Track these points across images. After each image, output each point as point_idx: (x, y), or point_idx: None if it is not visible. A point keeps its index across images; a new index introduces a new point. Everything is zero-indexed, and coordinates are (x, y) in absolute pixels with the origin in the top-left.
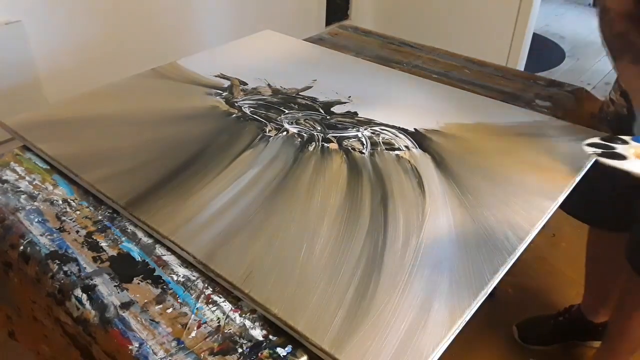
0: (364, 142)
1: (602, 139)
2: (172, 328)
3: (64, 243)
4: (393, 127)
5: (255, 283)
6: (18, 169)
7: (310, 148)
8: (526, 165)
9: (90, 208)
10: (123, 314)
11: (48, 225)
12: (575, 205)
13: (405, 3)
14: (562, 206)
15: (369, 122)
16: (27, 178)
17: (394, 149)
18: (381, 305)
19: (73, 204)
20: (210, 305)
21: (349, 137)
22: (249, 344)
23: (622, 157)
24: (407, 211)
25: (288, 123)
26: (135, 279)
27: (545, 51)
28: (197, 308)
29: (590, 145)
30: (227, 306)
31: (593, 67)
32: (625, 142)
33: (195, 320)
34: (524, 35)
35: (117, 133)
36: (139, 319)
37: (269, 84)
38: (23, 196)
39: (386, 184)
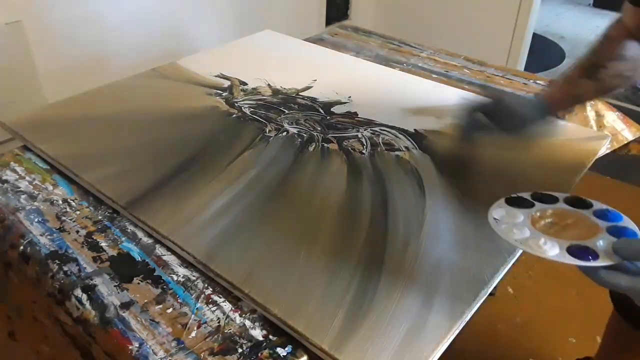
0: (364, 143)
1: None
2: (172, 328)
3: (64, 243)
4: (393, 127)
5: (255, 283)
6: (18, 169)
7: (310, 148)
8: (526, 165)
9: (90, 208)
10: (123, 314)
11: (48, 225)
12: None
13: (405, 3)
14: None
15: (369, 123)
16: (27, 178)
17: (394, 150)
18: (381, 305)
19: (73, 204)
20: (210, 305)
21: (349, 138)
22: (249, 344)
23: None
24: (407, 211)
25: (288, 123)
26: (135, 279)
27: (545, 51)
28: (197, 308)
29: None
30: (227, 306)
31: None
32: (554, 200)
33: (195, 320)
34: (524, 35)
35: (117, 133)
36: (139, 319)
37: (269, 84)
38: (23, 196)
39: (386, 184)
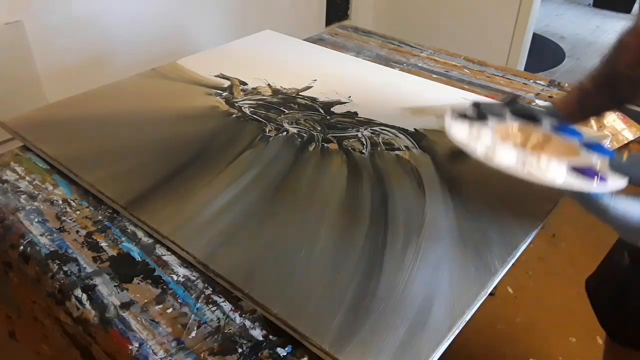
0: (364, 142)
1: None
2: (172, 328)
3: (64, 243)
4: (393, 127)
5: (255, 283)
6: (18, 169)
7: (310, 148)
8: None
9: (90, 208)
10: (123, 314)
11: (48, 225)
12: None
13: (405, 3)
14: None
15: (369, 122)
16: (27, 178)
17: (394, 149)
18: (381, 305)
19: (73, 204)
20: (210, 305)
21: (349, 137)
22: (249, 344)
23: (476, 118)
24: (407, 211)
25: (288, 123)
26: (135, 279)
27: (545, 51)
28: (197, 308)
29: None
30: (227, 306)
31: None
32: (501, 117)
33: (195, 320)
34: (524, 35)
35: (117, 133)
36: (139, 319)
37: (269, 84)
38: (23, 196)
39: (386, 184)
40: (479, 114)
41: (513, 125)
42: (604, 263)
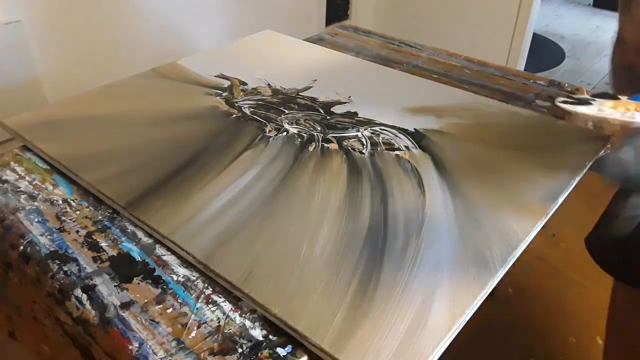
0: (364, 142)
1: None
2: (172, 328)
3: (64, 243)
4: (393, 127)
5: (255, 283)
6: (18, 169)
7: (310, 148)
8: (527, 165)
9: (90, 208)
10: (123, 314)
11: (48, 225)
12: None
13: (405, 3)
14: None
15: (369, 122)
16: (27, 178)
17: (394, 149)
18: (381, 305)
19: (73, 204)
20: (210, 305)
21: (349, 137)
22: (249, 344)
23: (587, 102)
24: (407, 211)
25: (288, 123)
26: (135, 279)
27: (545, 51)
28: (197, 308)
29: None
30: (227, 306)
31: (593, 67)
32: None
33: (195, 320)
34: (524, 35)
35: (117, 133)
36: (139, 319)
37: (269, 84)
38: (23, 196)
39: (386, 184)
40: (580, 100)
41: (608, 102)
42: (603, 216)
